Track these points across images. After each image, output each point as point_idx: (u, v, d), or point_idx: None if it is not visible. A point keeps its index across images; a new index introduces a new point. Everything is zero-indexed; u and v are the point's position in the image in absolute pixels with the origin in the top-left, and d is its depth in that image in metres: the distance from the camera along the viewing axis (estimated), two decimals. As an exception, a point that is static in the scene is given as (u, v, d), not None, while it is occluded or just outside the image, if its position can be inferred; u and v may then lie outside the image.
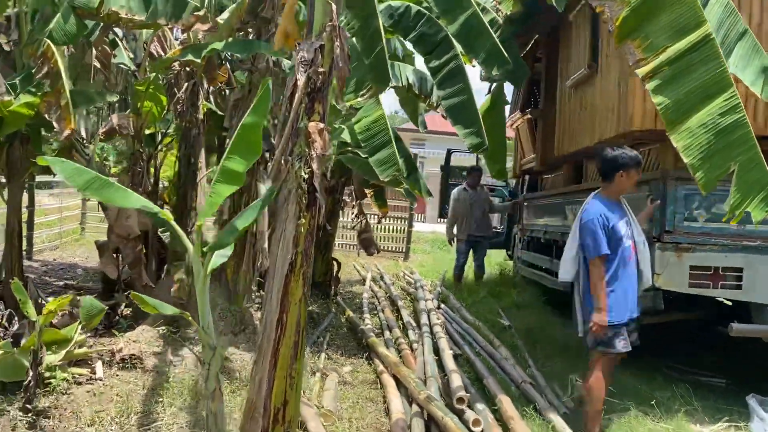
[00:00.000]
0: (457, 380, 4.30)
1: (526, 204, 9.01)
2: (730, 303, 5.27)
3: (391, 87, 6.80)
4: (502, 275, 9.63)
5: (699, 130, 2.30)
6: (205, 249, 2.58)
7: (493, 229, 10.65)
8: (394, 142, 5.75)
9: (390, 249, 13.58)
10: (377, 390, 4.67)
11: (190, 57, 4.81)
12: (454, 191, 8.92)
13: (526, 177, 9.97)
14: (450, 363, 4.79)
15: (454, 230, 9.03)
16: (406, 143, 6.98)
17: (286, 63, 5.67)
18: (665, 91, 2.34)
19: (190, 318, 2.74)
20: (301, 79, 2.42)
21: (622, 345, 3.68)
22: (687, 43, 2.34)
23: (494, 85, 6.09)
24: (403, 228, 13.75)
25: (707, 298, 4.99)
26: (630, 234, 3.75)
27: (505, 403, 4.05)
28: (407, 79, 7.17)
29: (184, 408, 3.98)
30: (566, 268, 3.92)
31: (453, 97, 5.63)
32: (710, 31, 2.34)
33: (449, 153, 11.25)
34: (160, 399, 4.04)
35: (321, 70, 2.46)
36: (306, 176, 2.46)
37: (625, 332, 3.69)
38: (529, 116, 8.38)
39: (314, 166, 2.43)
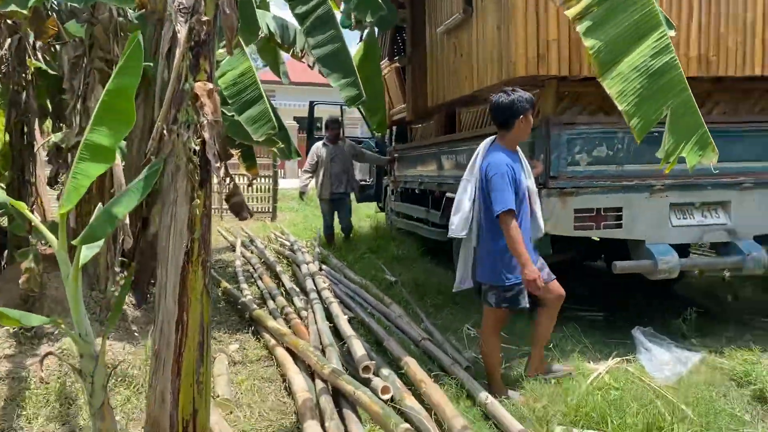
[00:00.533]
0: (358, 347, 4.10)
1: (397, 155, 8.89)
2: (597, 240, 5.52)
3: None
4: (376, 229, 9.52)
5: (632, 74, 2.19)
6: (74, 242, 2.10)
7: (362, 182, 10.49)
8: (265, 96, 5.30)
9: (255, 210, 13.02)
10: (273, 367, 4.36)
11: (13, 7, 4.02)
12: (314, 146, 8.55)
13: (393, 128, 9.84)
14: (347, 329, 4.58)
15: (312, 186, 8.68)
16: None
17: (131, 13, 4.97)
18: (597, 32, 2.20)
19: (63, 326, 2.25)
20: (182, 31, 1.97)
21: (525, 302, 3.65)
22: (615, -20, 2.21)
23: (366, 31, 5.77)
24: (267, 186, 13.20)
25: (583, 238, 5.16)
26: (527, 184, 3.69)
27: (412, 365, 3.92)
28: (267, 27, 6.65)
29: (54, 417, 3.45)
30: (459, 223, 3.79)
31: (324, 46, 5.25)
32: (638, -32, 2.22)
33: (312, 106, 10.83)
34: (23, 411, 3.48)
35: (205, 18, 2.02)
36: (197, 147, 2.04)
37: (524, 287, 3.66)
38: (396, 65, 8.16)
39: (206, 134, 2.02)
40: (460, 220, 3.77)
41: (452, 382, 3.84)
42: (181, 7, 1.98)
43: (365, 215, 12.58)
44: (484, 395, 3.60)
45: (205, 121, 2.02)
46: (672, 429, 3.10)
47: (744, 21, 4.62)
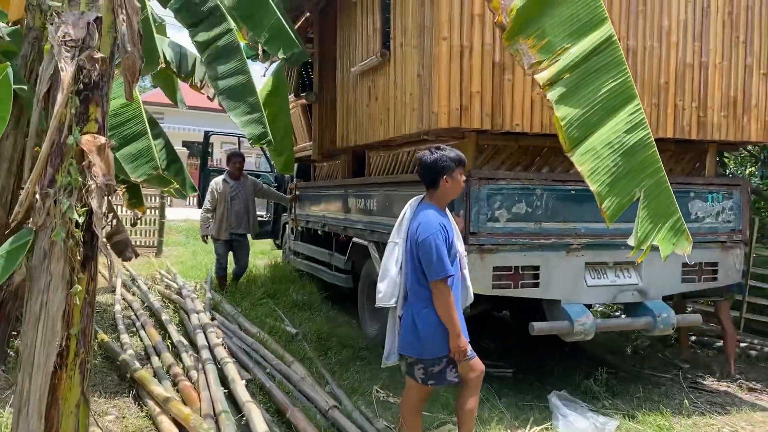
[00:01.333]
0: (258, 420, 3.62)
1: (298, 193, 8.47)
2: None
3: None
4: (274, 268, 8.99)
5: (604, 150, 1.97)
6: None
7: (259, 217, 9.94)
8: (149, 131, 4.77)
9: (138, 244, 12.02)
10: (158, 443, 3.78)
11: None
12: (214, 182, 7.83)
13: (296, 164, 9.42)
14: (244, 395, 4.07)
15: (212, 227, 7.78)
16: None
17: (3, 28, 4.31)
18: (569, 101, 1.97)
19: None
20: (68, 70, 1.50)
21: (453, 374, 3.33)
22: (590, 43, 1.99)
23: (274, 65, 5.39)
24: (153, 219, 12.25)
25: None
26: (458, 246, 3.42)
27: (321, 443, 3.50)
28: (163, 55, 6.11)
29: None
30: (387, 290, 3.41)
31: (227, 78, 4.84)
32: (612, 30, 2.02)
33: (207, 136, 10.21)
34: None
35: (99, 55, 1.57)
36: (80, 218, 1.56)
37: (454, 361, 3.35)
38: (303, 101, 7.80)
39: (93, 202, 1.56)
40: (387, 287, 3.40)
41: (366, 461, 3.46)
42: (67, 39, 1.51)
43: (260, 252, 11.98)
44: (402, 477, 3.25)
45: (94, 185, 1.56)
46: None
47: (657, 85, 4.69)
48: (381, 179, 5.70)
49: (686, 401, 4.76)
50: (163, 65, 5.70)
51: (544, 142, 4.77)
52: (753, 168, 10.54)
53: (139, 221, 11.76)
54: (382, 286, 3.45)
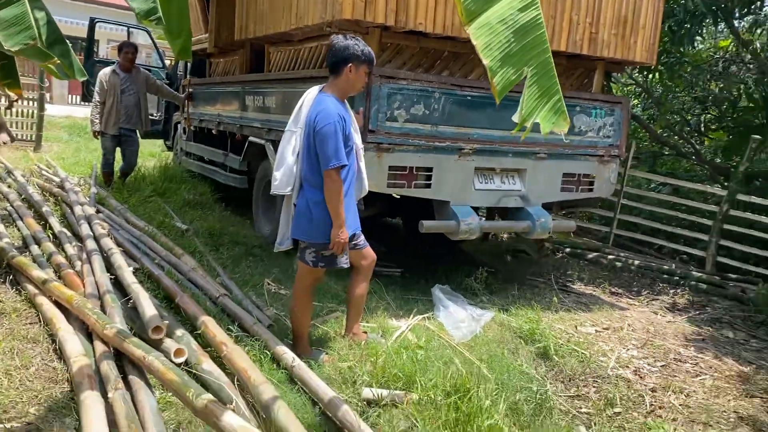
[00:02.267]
0: (147, 304, 3.57)
1: (191, 90, 8.10)
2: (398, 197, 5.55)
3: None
4: (164, 169, 8.65)
5: (499, 26, 2.01)
6: None
7: (149, 116, 9.46)
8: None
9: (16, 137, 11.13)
10: (38, 326, 3.67)
11: None
12: (102, 73, 7.29)
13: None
14: (132, 282, 3.99)
15: (99, 122, 7.25)
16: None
17: None
18: None
19: None
20: None
21: (344, 261, 3.45)
22: None
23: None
24: (31, 111, 11.32)
25: (387, 195, 5.12)
26: (355, 139, 3.46)
27: (210, 325, 3.52)
28: None
29: None
30: (283, 178, 3.44)
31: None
32: None
33: (93, 23, 9.44)
34: None
35: None
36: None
37: (347, 247, 3.46)
38: (200, -11, 7.35)
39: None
40: (283, 175, 3.42)
41: (255, 343, 3.54)
42: None
43: (149, 153, 11.46)
44: (290, 357, 3.37)
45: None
46: (476, 389, 3.15)
47: (555, -3, 4.82)
48: (281, 75, 5.57)
49: (555, 299, 5.20)
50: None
51: (445, 45, 4.82)
52: (637, 100, 11.22)
53: (14, 109, 10.89)
54: (278, 174, 3.48)
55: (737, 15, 7.55)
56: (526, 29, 2.03)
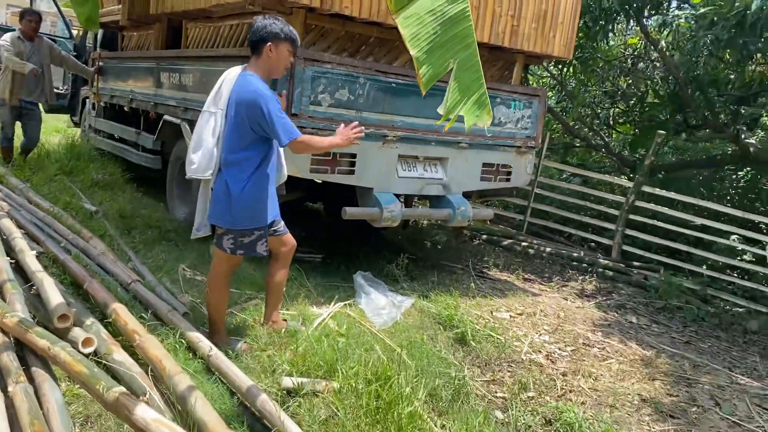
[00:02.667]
0: (51, 291, 3.35)
1: (102, 64, 7.67)
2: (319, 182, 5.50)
3: None
4: (70, 147, 8.16)
5: (426, 16, 1.99)
6: None
7: (54, 89, 8.88)
8: None
9: None
10: (-74, 315, 3.38)
11: None
12: (8, 36, 6.77)
13: (100, 31, 8.45)
14: (35, 266, 3.75)
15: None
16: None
17: None
18: None
19: None
20: None
21: (264, 249, 3.36)
22: None
23: None
24: None
25: (307, 180, 5.05)
26: None
27: (121, 313, 3.37)
28: None
29: None
30: (202, 162, 3.29)
31: None
32: None
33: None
34: None
35: None
36: None
37: (266, 234, 3.38)
38: (112, -43, 6.93)
39: None
40: (202, 158, 3.27)
41: (170, 331, 3.41)
42: None
43: (54, 129, 10.80)
44: (206, 346, 3.28)
45: None
46: (396, 376, 3.17)
47: (479, -11, 4.87)
48: (199, 52, 5.35)
49: (473, 285, 5.32)
50: None
51: (371, 31, 4.78)
52: (551, 92, 11.60)
53: None
54: (195, 157, 3.34)
55: (646, 15, 7.92)
56: (453, 21, 2.03)
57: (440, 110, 2.06)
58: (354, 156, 4.60)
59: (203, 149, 3.30)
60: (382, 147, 4.77)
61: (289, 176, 4.40)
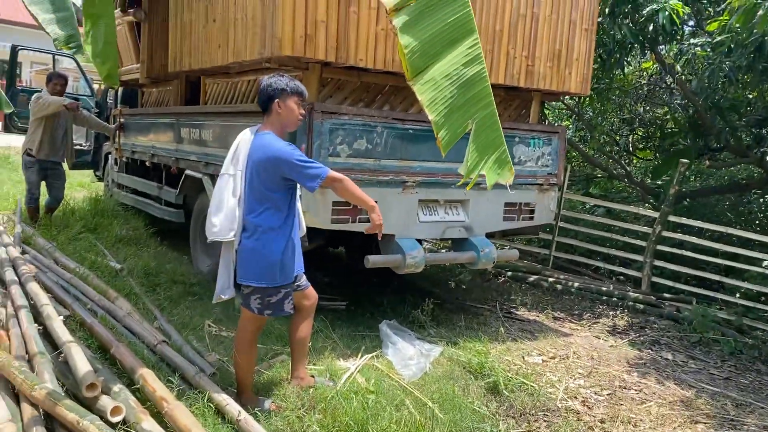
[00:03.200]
0: (79, 358, 3.35)
1: (123, 120, 7.81)
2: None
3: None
4: (94, 202, 8.28)
5: (443, 81, 1.99)
6: None
7: (77, 146, 9.06)
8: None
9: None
10: (-43, 388, 3.39)
11: None
12: (37, 95, 6.91)
13: (119, 88, 8.64)
14: (62, 333, 3.76)
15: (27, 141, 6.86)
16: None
17: None
18: (413, 30, 1.94)
19: None
20: None
21: (290, 307, 3.35)
22: (435, -26, 1.98)
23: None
24: (-53, 142, 10.68)
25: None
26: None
27: (149, 379, 3.34)
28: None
29: None
30: (224, 224, 3.28)
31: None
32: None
33: (15, 50, 9.01)
34: None
35: None
36: None
37: (291, 291, 3.36)
38: (130, 18, 7.10)
39: None
40: (225, 220, 3.26)
41: (198, 395, 3.37)
42: None
43: (78, 184, 11.00)
44: (235, 410, 3.23)
45: None
46: (429, 434, 3.09)
47: (493, 31, 4.88)
48: (218, 108, 5.42)
49: (501, 329, 5.22)
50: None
51: (386, 80, 4.81)
52: (568, 121, 11.56)
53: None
54: (217, 220, 3.32)
55: (662, 43, 7.89)
56: (470, 83, 2.03)
57: (461, 171, 2.03)
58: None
59: (225, 211, 3.30)
60: (401, 193, 4.75)
61: (309, 227, 4.42)
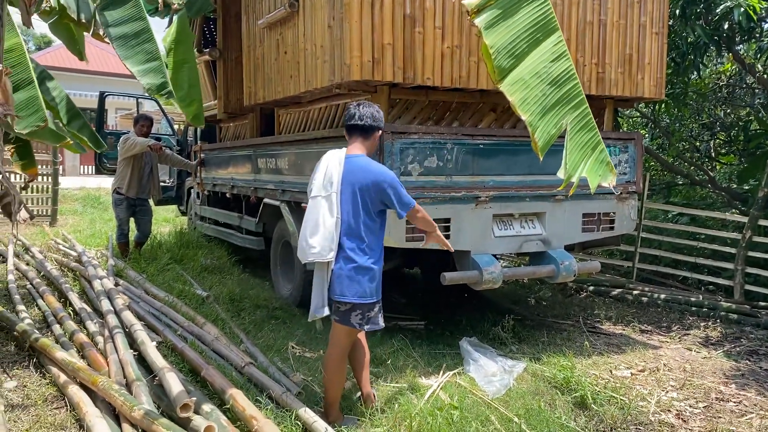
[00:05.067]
0: (173, 381, 3.51)
1: (204, 156, 8.18)
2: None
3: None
4: (180, 235, 8.68)
5: (532, 80, 1.99)
6: None
7: (161, 183, 9.53)
8: (36, 81, 4.42)
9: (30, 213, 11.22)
10: (65, 410, 3.61)
11: None
12: (125, 136, 7.39)
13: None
14: (156, 358, 3.93)
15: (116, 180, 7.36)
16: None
17: None
18: (497, 30, 1.97)
19: None
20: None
21: (383, 320, 3.47)
22: (512, -25, 2.00)
23: (177, 15, 5.11)
24: (46, 186, 11.47)
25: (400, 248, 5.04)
26: None
27: (238, 398, 3.45)
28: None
29: None
30: (324, 244, 3.29)
31: (123, 24, 4.56)
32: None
33: (103, 96, 9.63)
34: None
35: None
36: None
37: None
38: (206, 57, 7.48)
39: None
40: (324, 241, 3.29)
41: (285, 413, 3.44)
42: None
43: (163, 219, 11.55)
44: (322, 427, 3.28)
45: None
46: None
47: (559, 41, 4.84)
48: (292, 137, 5.60)
49: (587, 343, 5.08)
50: (55, 8, 5.23)
51: (453, 97, 4.85)
52: (644, 130, 11.21)
53: (30, 187, 11.03)
54: (315, 241, 3.31)
55: (739, 42, 7.58)
56: (559, 81, 2.02)
57: (560, 174, 2.01)
58: (448, 220, 4.60)
59: (322, 232, 3.30)
60: (475, 209, 4.74)
61: (386, 246, 4.46)
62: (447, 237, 4.65)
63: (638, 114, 10.57)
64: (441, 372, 4.29)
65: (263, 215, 6.34)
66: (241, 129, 7.30)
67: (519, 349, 4.92)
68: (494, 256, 4.85)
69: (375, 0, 4.15)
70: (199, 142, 8.88)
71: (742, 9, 6.07)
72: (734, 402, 4.19)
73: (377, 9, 4.16)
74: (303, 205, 3.67)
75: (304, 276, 5.40)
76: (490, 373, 4.29)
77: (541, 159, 2.04)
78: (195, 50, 7.39)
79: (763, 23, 7.50)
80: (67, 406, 3.62)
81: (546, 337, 5.28)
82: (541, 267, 5.03)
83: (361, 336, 3.67)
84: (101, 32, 4.79)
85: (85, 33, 5.33)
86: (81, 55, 5.56)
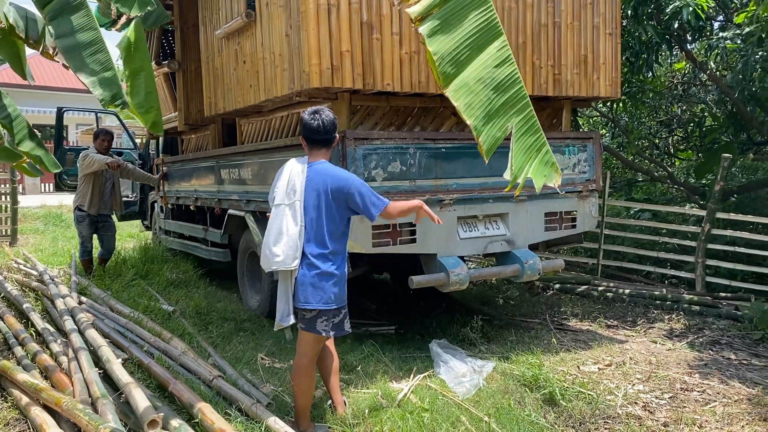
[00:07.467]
0: (139, 397, 3.45)
1: (166, 168, 8.08)
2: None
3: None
4: (144, 250, 8.54)
5: (477, 85, 2.02)
6: None
7: (124, 198, 9.37)
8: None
9: (-12, 233, 10.97)
10: (27, 434, 3.53)
11: None
12: (84, 153, 7.21)
13: (159, 138, 8.96)
14: (122, 374, 3.86)
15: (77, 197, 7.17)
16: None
17: None
18: (441, 37, 1.99)
19: None
20: None
21: (349, 326, 3.44)
22: (455, -20, 2.04)
23: (133, 22, 5.02)
24: (4, 206, 11.18)
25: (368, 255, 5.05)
26: None
27: (207, 412, 3.40)
28: (5, 17, 5.52)
29: None
30: (288, 252, 3.28)
31: (73, 35, 4.46)
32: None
33: (61, 112, 9.45)
34: None
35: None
36: None
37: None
38: (164, 70, 7.40)
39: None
40: (288, 249, 3.27)
41: (255, 425, 3.42)
42: None
43: (128, 235, 11.36)
44: (293, 437, 3.26)
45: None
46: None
47: (516, 44, 4.92)
48: (255, 147, 5.57)
49: (554, 340, 5.14)
50: (3, 25, 5.11)
51: (414, 102, 4.88)
52: (604, 129, 11.44)
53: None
54: (278, 249, 3.30)
55: (689, 40, 7.80)
56: (504, 86, 2.05)
57: (506, 176, 2.05)
58: (413, 225, 4.62)
59: (285, 240, 3.29)
60: (439, 212, 4.77)
61: (352, 253, 4.47)
62: (413, 241, 4.70)
63: (598, 113, 10.78)
64: (412, 376, 4.30)
65: (228, 227, 6.28)
66: (203, 140, 7.24)
67: (488, 349, 4.97)
68: (461, 258, 4.88)
69: (332, 7, 4.16)
70: (161, 155, 8.76)
71: (691, 8, 6.26)
72: (698, 391, 4.29)
73: (334, 16, 4.17)
74: (268, 214, 3.65)
75: (271, 286, 5.36)
76: (460, 374, 4.31)
77: (487, 162, 2.07)
78: (153, 62, 7.32)
79: (712, 22, 7.73)
80: (29, 429, 3.53)
81: (514, 336, 5.34)
82: (507, 267, 5.09)
83: (330, 342, 3.66)
84: (51, 51, 4.68)
85: (35, 51, 5.21)
86: (24, 75, 5.42)
